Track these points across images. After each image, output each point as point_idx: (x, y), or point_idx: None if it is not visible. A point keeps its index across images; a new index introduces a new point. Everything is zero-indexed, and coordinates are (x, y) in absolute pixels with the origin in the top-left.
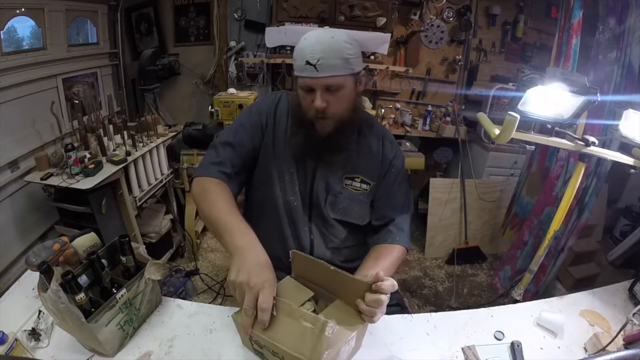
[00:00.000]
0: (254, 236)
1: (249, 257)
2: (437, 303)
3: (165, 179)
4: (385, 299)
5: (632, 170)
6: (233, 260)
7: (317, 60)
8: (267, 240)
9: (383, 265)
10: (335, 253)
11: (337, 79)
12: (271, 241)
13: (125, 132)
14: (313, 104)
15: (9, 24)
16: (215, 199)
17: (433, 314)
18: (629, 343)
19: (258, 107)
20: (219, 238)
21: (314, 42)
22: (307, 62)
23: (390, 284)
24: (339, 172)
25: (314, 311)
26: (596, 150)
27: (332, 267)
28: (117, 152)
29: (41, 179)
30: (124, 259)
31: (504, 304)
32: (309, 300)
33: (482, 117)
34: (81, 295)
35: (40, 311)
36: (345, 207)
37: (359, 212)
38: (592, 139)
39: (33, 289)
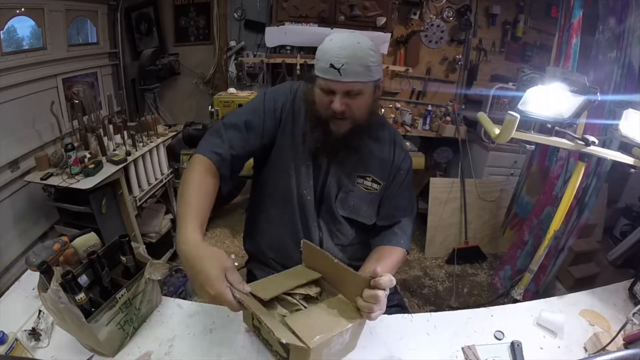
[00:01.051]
0: (193, 230)
1: (186, 265)
2: (437, 303)
3: (165, 178)
4: (382, 294)
5: (632, 170)
6: None
7: (342, 65)
8: (279, 233)
9: (384, 265)
10: (342, 250)
11: (359, 85)
12: (282, 234)
13: (125, 132)
14: (331, 106)
15: (9, 24)
16: (189, 187)
17: (433, 313)
18: (629, 343)
19: (274, 93)
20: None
21: (339, 46)
22: (332, 65)
23: (387, 279)
24: (352, 171)
25: (320, 294)
26: (596, 150)
27: (335, 260)
28: (117, 152)
29: (41, 179)
30: (124, 258)
31: (504, 303)
32: (315, 282)
33: (482, 117)
34: (81, 295)
35: (40, 311)
36: (355, 205)
37: (367, 211)
38: (592, 138)
39: (33, 289)
